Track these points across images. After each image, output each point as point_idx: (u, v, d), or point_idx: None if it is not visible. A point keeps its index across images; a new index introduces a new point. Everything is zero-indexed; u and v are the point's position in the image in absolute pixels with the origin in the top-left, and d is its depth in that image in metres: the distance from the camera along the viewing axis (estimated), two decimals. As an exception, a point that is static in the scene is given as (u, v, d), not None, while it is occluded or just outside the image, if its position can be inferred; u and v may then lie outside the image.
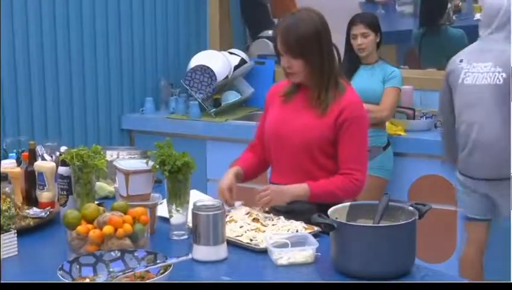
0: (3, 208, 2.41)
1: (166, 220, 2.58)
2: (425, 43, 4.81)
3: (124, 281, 2.06)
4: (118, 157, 3.14)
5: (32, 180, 2.78)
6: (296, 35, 2.64)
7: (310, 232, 2.44)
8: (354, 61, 4.07)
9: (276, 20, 5.31)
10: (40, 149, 3.03)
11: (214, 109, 4.61)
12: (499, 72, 3.56)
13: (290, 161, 2.75)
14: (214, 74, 4.60)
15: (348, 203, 2.33)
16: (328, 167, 2.72)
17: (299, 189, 2.70)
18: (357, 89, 4.00)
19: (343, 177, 2.69)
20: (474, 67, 3.63)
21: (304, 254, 2.28)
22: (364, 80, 3.99)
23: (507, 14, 3.62)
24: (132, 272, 2.08)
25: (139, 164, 2.61)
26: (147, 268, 2.10)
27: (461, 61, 3.68)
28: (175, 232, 2.51)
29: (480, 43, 3.70)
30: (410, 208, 2.25)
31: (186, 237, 2.49)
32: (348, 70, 4.00)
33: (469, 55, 3.69)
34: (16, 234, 2.37)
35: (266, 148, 2.84)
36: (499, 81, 3.55)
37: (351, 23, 4.05)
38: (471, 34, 4.66)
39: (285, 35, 2.67)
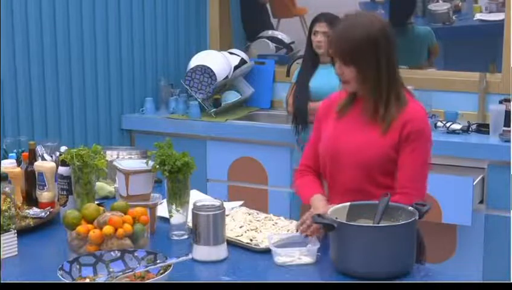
0: (3, 208, 2.41)
1: (166, 220, 2.58)
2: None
3: (124, 281, 2.06)
4: (118, 157, 3.15)
5: (32, 180, 2.78)
6: (350, 39, 2.39)
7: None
8: (313, 59, 4.05)
9: (276, 20, 5.32)
10: (40, 149, 3.03)
11: (214, 109, 4.61)
12: None
13: (347, 181, 2.49)
14: (214, 74, 4.60)
15: (348, 203, 2.32)
16: (387, 184, 2.46)
17: None
18: (314, 87, 4.05)
19: (400, 197, 2.39)
20: None
21: (305, 253, 2.28)
22: (322, 79, 3.96)
23: None
24: (132, 272, 2.09)
25: (139, 164, 2.61)
26: (147, 268, 2.10)
27: None
28: (175, 232, 2.51)
29: None
30: (410, 208, 2.25)
31: (186, 237, 2.49)
32: (309, 68, 4.04)
33: None
34: (15, 234, 2.37)
35: (322, 166, 2.58)
36: None
37: (315, 20, 4.02)
38: (471, 33, 4.69)
39: (338, 38, 2.44)
